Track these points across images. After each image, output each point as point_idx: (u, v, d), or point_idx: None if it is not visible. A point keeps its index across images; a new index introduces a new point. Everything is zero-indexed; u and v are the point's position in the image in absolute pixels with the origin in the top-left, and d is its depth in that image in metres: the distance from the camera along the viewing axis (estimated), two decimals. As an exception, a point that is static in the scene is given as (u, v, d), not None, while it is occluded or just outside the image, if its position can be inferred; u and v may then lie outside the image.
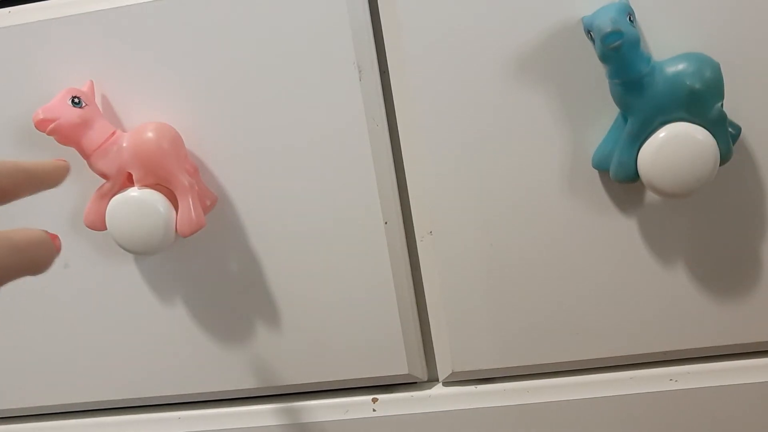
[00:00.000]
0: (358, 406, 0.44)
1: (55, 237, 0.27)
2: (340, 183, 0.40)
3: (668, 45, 0.35)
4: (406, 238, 0.42)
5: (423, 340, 0.44)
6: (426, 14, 0.37)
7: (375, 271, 0.41)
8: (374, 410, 0.44)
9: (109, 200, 0.38)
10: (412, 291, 0.43)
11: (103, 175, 0.38)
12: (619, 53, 0.32)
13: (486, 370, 0.43)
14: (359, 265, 0.41)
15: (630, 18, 0.32)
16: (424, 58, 0.37)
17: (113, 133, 0.38)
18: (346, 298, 0.42)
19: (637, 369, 0.42)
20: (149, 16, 0.38)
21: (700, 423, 0.41)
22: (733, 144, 0.36)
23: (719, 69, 0.34)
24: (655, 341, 0.41)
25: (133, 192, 0.38)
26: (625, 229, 0.39)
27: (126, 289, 0.43)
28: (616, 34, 0.32)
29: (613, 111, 0.36)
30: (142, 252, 0.38)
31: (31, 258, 0.25)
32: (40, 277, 0.43)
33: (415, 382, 0.45)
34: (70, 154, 0.39)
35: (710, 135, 0.34)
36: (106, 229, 0.38)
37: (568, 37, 0.36)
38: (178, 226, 0.38)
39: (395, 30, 0.38)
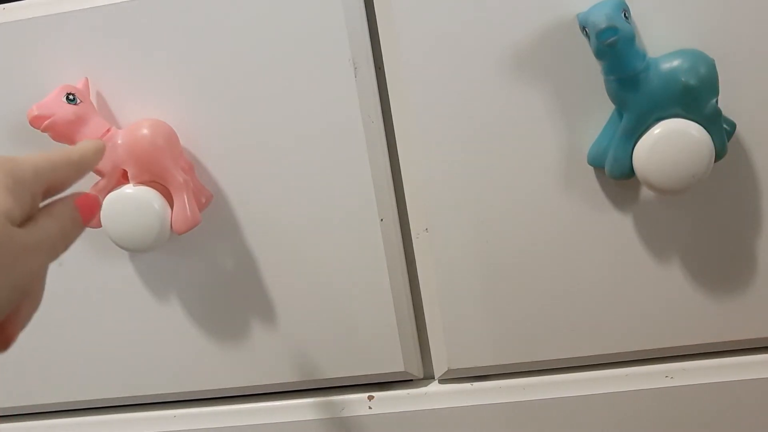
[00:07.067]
0: (354, 403, 0.44)
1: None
2: (335, 180, 0.40)
3: (663, 41, 0.35)
4: (402, 235, 0.42)
5: (419, 338, 0.44)
6: (421, 10, 0.37)
7: (371, 268, 0.41)
8: (370, 408, 0.44)
9: (104, 197, 0.38)
10: (408, 288, 0.43)
11: (98, 172, 0.37)
12: (614, 50, 0.32)
13: (482, 367, 0.43)
14: (355, 263, 0.41)
15: (625, 14, 0.33)
16: (420, 54, 0.37)
17: (108, 130, 0.38)
18: (342, 295, 0.42)
19: (632, 366, 0.42)
20: (145, 13, 0.38)
21: (695, 420, 0.41)
22: (728, 140, 0.36)
23: (714, 65, 0.34)
24: (650, 338, 0.41)
25: (128, 189, 0.37)
26: (620, 225, 0.39)
27: (121, 286, 0.43)
28: (611, 30, 0.32)
29: (608, 107, 0.37)
30: (137, 249, 0.38)
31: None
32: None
33: (411, 380, 0.45)
34: (64, 151, 0.39)
35: (705, 131, 0.34)
36: (101, 226, 0.38)
37: (564, 33, 0.36)
38: (173, 223, 0.38)
39: (390, 26, 0.38)
